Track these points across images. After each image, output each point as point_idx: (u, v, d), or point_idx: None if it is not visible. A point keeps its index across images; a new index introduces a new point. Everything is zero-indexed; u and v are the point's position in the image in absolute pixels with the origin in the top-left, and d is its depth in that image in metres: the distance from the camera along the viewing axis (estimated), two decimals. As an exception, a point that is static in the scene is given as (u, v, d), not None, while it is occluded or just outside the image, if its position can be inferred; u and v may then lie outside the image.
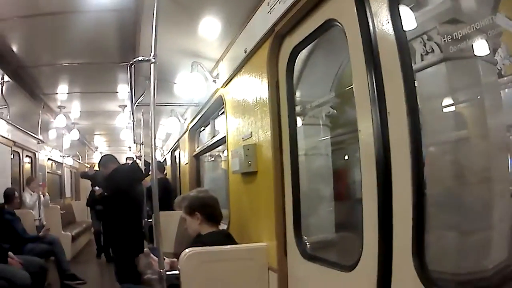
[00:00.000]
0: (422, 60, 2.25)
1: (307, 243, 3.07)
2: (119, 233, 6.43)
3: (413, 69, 1.96)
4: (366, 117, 2.10)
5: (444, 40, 2.04)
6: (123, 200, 6.43)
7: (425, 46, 2.22)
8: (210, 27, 4.42)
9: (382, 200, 1.96)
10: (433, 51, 2.19)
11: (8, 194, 8.22)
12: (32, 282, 5.95)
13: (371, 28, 2.14)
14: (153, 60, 3.29)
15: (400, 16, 1.98)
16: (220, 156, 6.78)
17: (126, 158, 12.18)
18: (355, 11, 2.24)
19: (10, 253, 6.30)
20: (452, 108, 2.33)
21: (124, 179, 6.60)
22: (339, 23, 2.46)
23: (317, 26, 2.75)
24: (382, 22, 2.05)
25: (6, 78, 6.78)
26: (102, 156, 7.59)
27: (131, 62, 3.96)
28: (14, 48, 6.03)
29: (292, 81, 3.21)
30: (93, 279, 9.22)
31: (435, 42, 2.18)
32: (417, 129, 1.84)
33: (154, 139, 3.44)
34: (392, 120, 1.94)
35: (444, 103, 2.35)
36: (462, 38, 1.88)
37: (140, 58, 3.61)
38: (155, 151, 3.45)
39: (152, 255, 3.81)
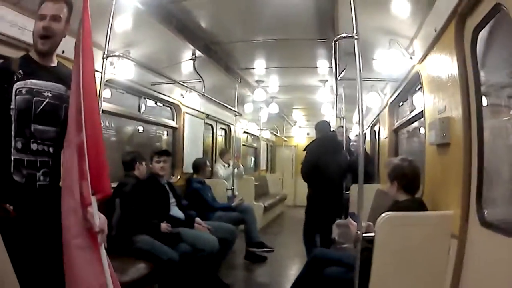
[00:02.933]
0: None
1: (486, 212, 3.42)
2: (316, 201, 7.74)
3: None
4: None
5: None
6: (316, 170, 7.67)
7: None
8: (402, 6, 4.88)
9: None
10: None
11: (198, 164, 9.00)
12: (219, 247, 6.42)
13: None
14: (356, 37, 3.88)
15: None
16: (417, 131, 7.13)
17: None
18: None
19: (197, 219, 6.91)
20: None
21: (317, 152, 7.88)
22: (505, 7, 2.81)
23: (489, 9, 3.13)
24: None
25: (198, 53, 7.32)
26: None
27: (335, 39, 4.51)
28: (204, 25, 6.71)
29: (476, 60, 3.57)
30: (281, 249, 9.83)
31: None
32: None
33: (362, 113, 4.05)
34: None
35: None
36: None
37: (343, 34, 4.20)
38: (363, 125, 4.07)
39: (351, 219, 4.53)
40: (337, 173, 7.78)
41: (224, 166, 11.26)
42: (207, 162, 9.18)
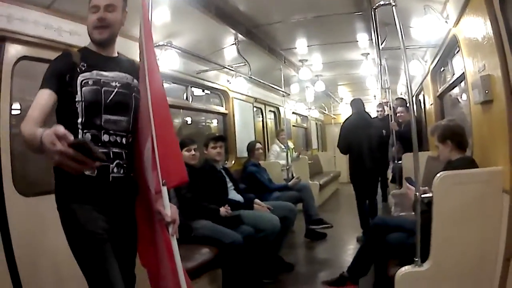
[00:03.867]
0: None
1: None
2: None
3: None
4: None
5: None
6: (350, 144, 8.86)
7: None
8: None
9: None
10: None
11: (251, 147, 9.12)
12: (281, 226, 6.49)
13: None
14: (394, 3, 3.98)
15: None
16: (458, 98, 7.19)
17: (377, 106, 12.42)
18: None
19: (256, 200, 6.98)
20: None
21: (350, 127, 8.96)
22: None
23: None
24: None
25: (240, 37, 7.46)
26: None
27: (374, 7, 4.60)
28: (243, 9, 6.86)
29: (508, 17, 3.63)
30: (339, 225, 9.96)
31: None
32: None
33: (410, 81, 4.16)
34: None
35: None
36: None
37: (381, 2, 4.31)
38: (410, 95, 4.17)
39: (408, 184, 4.68)
40: (369, 145, 8.67)
41: (281, 148, 11.34)
42: (258, 144, 9.20)
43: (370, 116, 9.64)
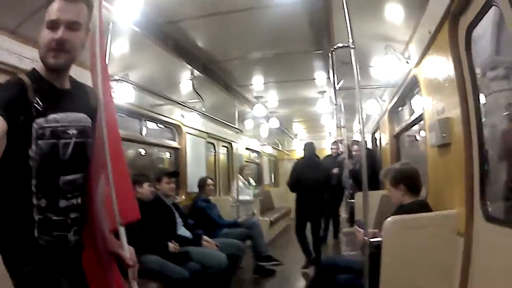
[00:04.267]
0: None
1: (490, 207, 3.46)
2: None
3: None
4: None
5: None
6: (299, 182, 9.53)
7: None
8: (395, 11, 5.00)
9: None
10: None
11: (202, 183, 8.98)
12: (228, 263, 6.46)
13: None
14: (352, 46, 3.92)
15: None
16: (416, 136, 7.26)
17: (331, 144, 12.67)
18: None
19: (204, 237, 6.99)
20: None
21: (299, 168, 9.74)
22: (496, 3, 2.84)
23: (481, 6, 3.17)
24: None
25: (196, 73, 7.42)
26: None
27: (331, 49, 4.56)
28: (201, 44, 6.79)
29: (472, 58, 3.61)
30: (289, 262, 9.86)
31: None
32: None
33: (362, 121, 4.10)
34: None
35: None
36: None
37: (340, 44, 4.21)
38: (364, 134, 4.13)
39: (357, 227, 4.61)
40: (315, 184, 9.43)
41: (244, 183, 11.21)
42: (209, 180, 9.14)
43: (319, 159, 10.49)
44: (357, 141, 11.10)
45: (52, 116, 2.37)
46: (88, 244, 2.74)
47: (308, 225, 9.57)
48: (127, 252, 2.74)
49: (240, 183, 11.08)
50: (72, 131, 2.46)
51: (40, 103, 2.34)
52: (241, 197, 10.65)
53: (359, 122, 4.05)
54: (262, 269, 8.86)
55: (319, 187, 9.52)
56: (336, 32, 5.75)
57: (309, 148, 9.96)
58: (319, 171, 9.69)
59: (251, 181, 11.62)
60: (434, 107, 4.66)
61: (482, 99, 3.66)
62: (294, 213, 10.03)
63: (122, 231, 2.75)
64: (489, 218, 3.39)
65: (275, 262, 8.83)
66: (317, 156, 10.34)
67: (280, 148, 19.91)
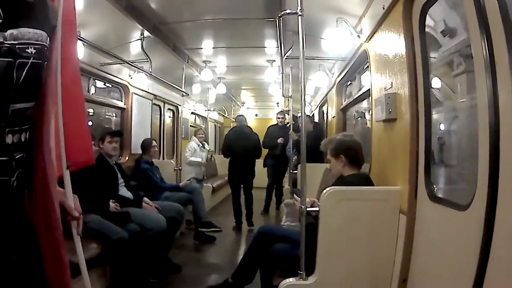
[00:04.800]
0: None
1: (435, 186, 3.49)
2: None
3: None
4: (481, 79, 2.41)
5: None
6: (231, 150, 10.97)
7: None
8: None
9: (493, 152, 2.29)
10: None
11: (145, 145, 8.90)
12: (167, 227, 6.52)
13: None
14: (300, 13, 3.84)
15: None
16: (364, 114, 7.30)
17: (277, 114, 12.97)
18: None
19: (145, 199, 6.97)
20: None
21: (231, 138, 11.15)
22: None
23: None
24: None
25: (146, 33, 7.30)
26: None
27: (279, 15, 4.49)
28: (153, 5, 6.62)
29: (425, 36, 3.62)
30: (230, 230, 10.27)
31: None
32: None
33: (304, 91, 4.04)
34: (501, 85, 2.24)
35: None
36: None
37: (288, 11, 4.11)
38: (304, 105, 4.07)
39: (295, 195, 4.57)
40: (245, 151, 10.74)
41: (199, 146, 11.34)
42: (154, 142, 9.07)
43: (250, 129, 11.36)
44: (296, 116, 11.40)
45: (11, 32, 1.86)
46: (35, 191, 2.20)
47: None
48: (71, 201, 2.36)
49: (195, 145, 11.26)
50: (31, 50, 1.95)
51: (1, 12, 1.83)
52: (193, 158, 10.89)
53: (301, 93, 4.00)
54: (202, 235, 8.87)
55: (248, 154, 10.80)
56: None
57: (240, 120, 11.42)
58: (248, 140, 10.92)
59: (206, 144, 11.75)
60: (382, 83, 4.67)
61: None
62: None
63: (67, 176, 2.37)
64: (433, 197, 3.41)
65: (215, 229, 8.80)
66: (249, 127, 11.42)
67: (226, 115, 19.97)
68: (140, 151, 8.98)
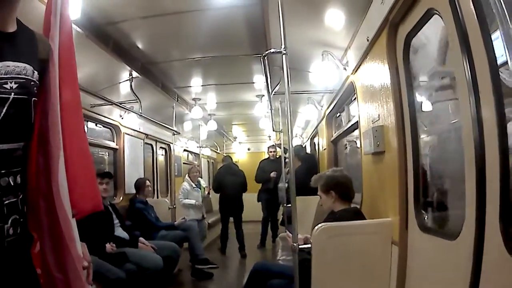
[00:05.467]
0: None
1: (425, 217, 3.48)
2: None
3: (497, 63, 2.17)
4: (464, 102, 2.41)
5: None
6: (220, 185, 12.13)
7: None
8: (334, 17, 4.95)
9: (478, 180, 2.28)
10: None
11: (139, 184, 8.92)
12: (164, 266, 6.56)
13: (461, 17, 2.42)
14: (284, 52, 3.83)
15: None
16: (354, 141, 7.32)
17: (268, 148, 13.14)
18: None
19: (141, 239, 7.03)
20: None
21: (221, 175, 12.41)
22: (437, 11, 2.83)
23: (422, 15, 3.16)
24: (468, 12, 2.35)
25: (135, 73, 7.30)
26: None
27: (263, 55, 4.54)
28: (140, 46, 6.65)
29: (409, 67, 3.63)
30: (227, 266, 10.22)
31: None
32: (503, 119, 2.12)
33: (291, 127, 4.02)
34: (484, 108, 2.23)
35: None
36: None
37: (272, 50, 4.07)
38: (292, 138, 4.03)
39: (287, 231, 4.56)
40: (233, 186, 11.88)
41: (192, 186, 11.21)
42: (147, 181, 9.10)
43: (237, 166, 12.88)
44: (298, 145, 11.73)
45: None
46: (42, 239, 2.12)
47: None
48: (80, 250, 2.25)
49: (187, 186, 11.13)
50: (11, 85, 1.82)
51: None
52: (186, 201, 10.79)
53: (288, 129, 3.99)
54: (199, 271, 8.85)
55: (235, 187, 11.89)
56: (273, 36, 5.70)
57: (227, 159, 13.10)
58: (236, 176, 12.13)
59: (201, 182, 11.85)
60: (369, 115, 4.67)
61: (428, 107, 3.70)
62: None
63: (73, 224, 2.21)
64: (423, 227, 3.40)
65: (211, 265, 8.85)
66: (235, 165, 13.03)
67: (218, 151, 19.94)
68: (134, 191, 8.96)
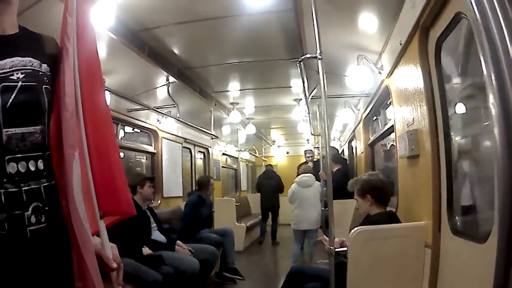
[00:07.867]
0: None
1: (457, 220, 3.47)
2: None
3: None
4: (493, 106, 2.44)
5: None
6: (261, 187, 14.89)
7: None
8: (367, 21, 5.02)
9: None
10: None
11: (203, 182, 8.92)
12: (200, 269, 6.51)
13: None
14: (320, 57, 3.84)
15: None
16: (393, 144, 7.31)
17: (305, 152, 13.12)
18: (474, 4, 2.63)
19: (178, 242, 6.97)
20: None
21: (262, 178, 15.23)
22: (465, 15, 2.84)
23: (451, 19, 3.16)
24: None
25: (172, 79, 7.41)
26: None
27: (299, 60, 4.57)
28: (176, 51, 6.80)
29: (441, 70, 3.62)
30: (264, 267, 10.34)
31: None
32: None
33: (328, 130, 4.07)
34: None
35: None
36: None
37: (307, 55, 4.12)
38: (329, 142, 4.08)
39: (324, 236, 4.59)
40: (270, 188, 14.44)
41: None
42: (211, 180, 9.08)
43: (275, 172, 15.38)
44: (333, 147, 11.63)
45: None
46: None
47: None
48: (109, 252, 2.12)
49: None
50: (18, 75, 1.87)
51: None
52: None
53: (325, 132, 4.01)
54: (225, 276, 8.85)
55: (271, 188, 14.35)
56: (308, 41, 5.77)
57: (268, 167, 15.96)
58: (273, 180, 14.63)
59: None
60: (404, 119, 4.67)
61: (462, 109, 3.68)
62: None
63: (102, 226, 2.11)
64: (455, 231, 3.39)
65: (238, 277, 8.78)
66: (273, 170, 15.62)
67: (257, 155, 19.99)
68: (172, 194, 9.18)
